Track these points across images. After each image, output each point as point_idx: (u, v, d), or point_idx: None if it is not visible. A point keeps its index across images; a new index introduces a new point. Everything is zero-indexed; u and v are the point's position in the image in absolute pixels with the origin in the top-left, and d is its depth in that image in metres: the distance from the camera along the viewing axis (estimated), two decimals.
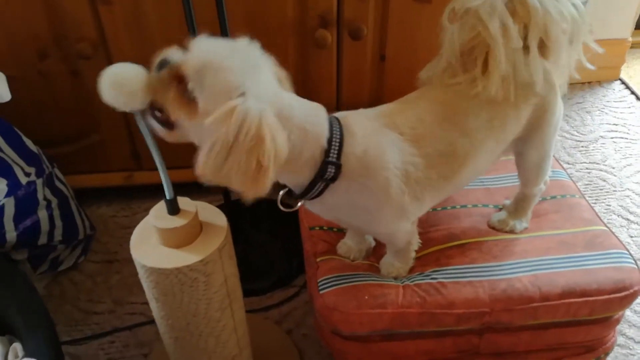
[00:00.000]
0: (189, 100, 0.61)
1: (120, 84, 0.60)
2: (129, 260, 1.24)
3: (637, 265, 0.86)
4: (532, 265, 0.86)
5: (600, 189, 1.37)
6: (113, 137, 1.27)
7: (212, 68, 0.61)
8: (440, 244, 0.91)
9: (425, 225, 0.94)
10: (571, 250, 0.88)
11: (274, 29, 1.14)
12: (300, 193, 0.73)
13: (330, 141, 0.69)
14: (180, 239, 0.69)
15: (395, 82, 1.25)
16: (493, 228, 0.94)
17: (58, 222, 1.08)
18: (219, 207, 1.27)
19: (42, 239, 1.05)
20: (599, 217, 0.95)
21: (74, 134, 1.26)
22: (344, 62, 1.21)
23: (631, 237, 1.23)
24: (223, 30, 0.97)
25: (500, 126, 0.80)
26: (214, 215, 0.74)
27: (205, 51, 0.62)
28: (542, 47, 0.77)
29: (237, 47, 0.64)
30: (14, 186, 0.98)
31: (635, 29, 1.80)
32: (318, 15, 1.13)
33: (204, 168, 0.61)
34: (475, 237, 0.92)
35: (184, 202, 0.71)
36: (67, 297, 1.14)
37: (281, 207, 0.77)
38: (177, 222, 0.68)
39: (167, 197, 0.69)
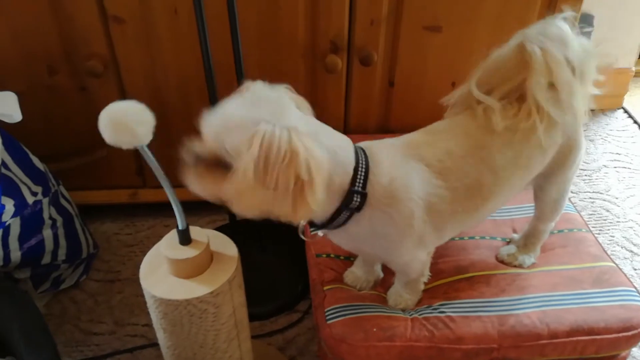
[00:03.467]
0: (225, 169, 0.61)
1: (126, 124, 0.59)
2: (131, 280, 1.24)
3: None
4: (540, 301, 0.85)
5: (604, 220, 1.37)
6: (119, 153, 1.24)
7: (226, 129, 0.61)
8: (449, 276, 0.91)
9: (433, 256, 0.93)
10: (579, 287, 0.88)
11: (285, 52, 1.15)
12: (323, 223, 0.72)
13: (356, 170, 0.69)
14: (191, 270, 0.69)
15: (403, 108, 1.26)
16: (501, 262, 0.94)
17: (62, 242, 1.07)
18: (223, 227, 1.28)
19: (46, 259, 1.04)
20: (606, 253, 0.95)
21: (80, 149, 1.26)
22: (353, 87, 1.21)
23: (635, 269, 1.23)
24: (236, 51, 0.97)
25: (526, 165, 0.80)
26: (224, 245, 0.74)
27: (215, 121, 0.62)
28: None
29: (244, 100, 0.64)
30: (20, 206, 0.98)
31: (639, 58, 1.82)
32: (329, 40, 1.13)
33: (240, 201, 0.60)
34: (484, 270, 0.92)
35: (195, 231, 0.71)
36: (67, 317, 1.13)
37: (302, 237, 0.77)
38: (188, 252, 0.68)
39: (180, 227, 0.68)
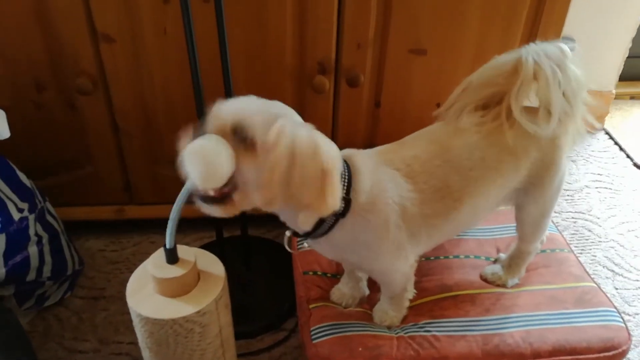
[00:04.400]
0: (246, 146, 0.63)
1: (215, 166, 0.61)
2: (116, 298, 1.23)
3: (624, 323, 0.88)
4: (524, 321, 0.87)
5: (586, 239, 1.39)
6: (106, 169, 1.27)
7: (245, 111, 0.65)
8: (434, 294, 0.92)
9: (418, 274, 0.94)
10: (561, 307, 0.89)
11: (273, 73, 1.16)
12: (309, 231, 0.74)
13: (342, 177, 0.71)
14: (177, 289, 0.69)
15: (389, 128, 1.28)
16: (485, 280, 0.95)
17: (48, 259, 1.06)
18: (210, 244, 1.28)
19: (31, 275, 1.03)
20: (587, 273, 0.97)
21: (67, 165, 1.25)
22: (340, 107, 1.23)
23: (616, 289, 1.25)
24: (225, 70, 0.99)
25: (495, 168, 0.82)
26: (211, 264, 0.74)
27: (230, 106, 0.67)
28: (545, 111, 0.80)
29: (250, 99, 0.69)
30: (6, 222, 0.97)
31: (619, 80, 1.87)
32: (317, 62, 1.15)
33: (271, 190, 0.62)
34: (468, 289, 0.93)
35: (183, 250, 0.71)
36: (51, 334, 1.11)
37: (288, 249, 0.78)
38: (175, 271, 0.68)
39: (167, 246, 0.69)
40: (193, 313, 0.67)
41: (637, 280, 1.27)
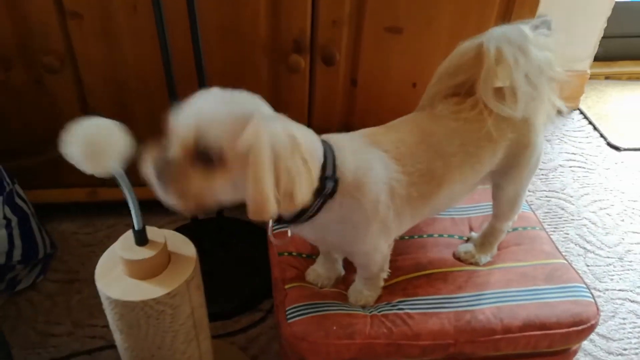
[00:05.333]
0: (208, 164, 0.60)
1: (99, 150, 0.58)
2: (90, 281, 1.20)
3: (594, 298, 0.90)
4: (495, 297, 0.88)
5: (559, 218, 1.42)
6: None
7: (209, 122, 0.60)
8: (408, 273, 0.93)
9: (393, 253, 0.94)
10: (532, 283, 0.91)
11: (248, 52, 1.14)
12: (295, 216, 0.72)
13: (325, 158, 0.70)
14: (147, 271, 0.68)
15: (366, 107, 1.27)
16: (458, 259, 0.96)
17: (17, 242, 1.04)
18: (185, 226, 1.27)
19: (0, 259, 1.01)
20: (558, 250, 0.99)
21: (37, 146, 1.22)
22: (316, 86, 1.22)
23: (588, 265, 1.28)
24: (196, 49, 0.97)
25: (474, 153, 0.82)
26: (183, 245, 0.73)
27: (190, 116, 0.61)
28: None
29: (215, 97, 0.64)
30: None
31: (594, 61, 1.89)
32: (292, 40, 1.14)
33: (262, 197, 0.60)
34: (441, 267, 0.94)
35: (152, 232, 0.70)
36: (23, 318, 1.10)
37: (273, 240, 0.78)
38: (144, 253, 0.67)
39: (136, 228, 0.68)
40: (163, 295, 0.67)
41: (608, 257, 1.30)
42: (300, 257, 0.97)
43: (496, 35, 0.78)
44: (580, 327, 0.85)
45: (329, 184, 0.70)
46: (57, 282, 1.18)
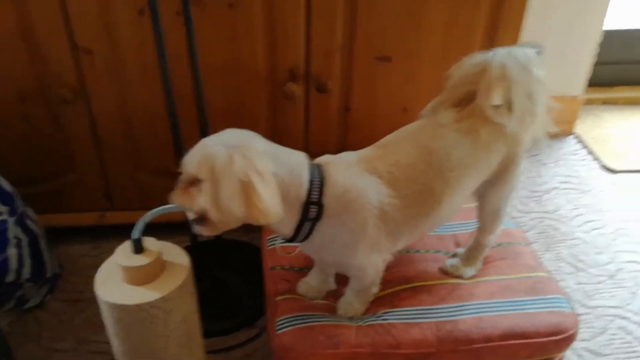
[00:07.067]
0: (197, 184, 0.73)
1: None
2: (95, 300, 1.26)
3: (572, 309, 0.92)
4: (477, 308, 0.91)
5: (552, 238, 1.45)
6: (87, 177, 1.31)
7: (192, 156, 0.74)
8: (394, 286, 0.97)
9: None
10: (514, 295, 0.94)
11: (246, 82, 1.22)
12: (290, 237, 0.80)
13: (312, 183, 0.77)
14: (143, 277, 0.74)
15: (360, 132, 1.34)
16: (445, 273, 1.00)
17: (27, 261, 1.11)
18: (186, 247, 1.32)
19: (10, 277, 1.08)
20: (541, 264, 1.02)
21: (50, 174, 1.30)
22: (311, 113, 1.29)
23: (579, 284, 1.30)
24: (196, 80, 1.04)
25: (473, 165, 0.87)
26: (177, 255, 0.79)
27: (189, 153, 0.76)
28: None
29: (217, 135, 0.77)
30: None
31: (590, 86, 1.94)
32: (288, 69, 1.21)
33: (218, 211, 0.72)
34: (426, 280, 0.98)
35: (149, 242, 0.76)
36: (30, 335, 1.15)
37: (283, 253, 0.92)
38: (140, 260, 0.73)
39: (134, 237, 0.74)
40: (157, 299, 0.72)
41: (599, 275, 1.32)
42: (292, 270, 1.02)
43: (502, 52, 0.85)
44: (559, 337, 0.88)
45: (312, 209, 0.77)
46: (64, 301, 1.24)
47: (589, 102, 2.05)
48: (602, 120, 2.02)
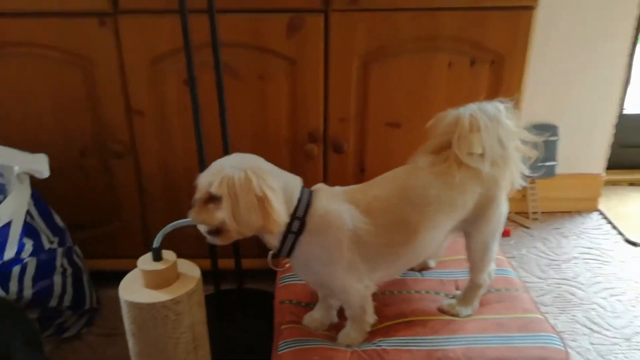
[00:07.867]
0: (216, 201, 0.86)
1: None
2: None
3: (565, 348, 0.95)
4: (467, 340, 0.96)
5: (568, 302, 1.45)
6: (131, 225, 1.48)
7: (207, 176, 0.88)
8: (391, 320, 1.03)
9: (380, 304, 1.06)
10: (505, 331, 0.98)
11: (272, 142, 1.39)
12: (277, 250, 0.92)
13: (300, 201, 0.90)
14: (159, 281, 0.86)
15: None
16: (441, 311, 1.06)
17: (69, 289, 1.25)
18: (210, 295, 1.43)
19: (53, 302, 1.21)
20: (538, 308, 1.06)
21: (97, 221, 1.48)
22: (329, 172, 1.43)
23: (592, 344, 1.29)
24: (224, 143, 1.22)
25: (448, 202, 0.98)
26: (190, 269, 0.91)
27: (205, 173, 0.90)
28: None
29: (227, 157, 0.92)
30: (38, 248, 1.18)
31: (616, 168, 2.01)
32: (308, 133, 1.38)
33: (239, 222, 0.85)
34: (422, 315, 1.04)
35: (167, 253, 0.89)
36: None
37: (272, 267, 1.00)
38: (157, 266, 0.85)
39: (154, 246, 0.87)
40: (168, 300, 0.83)
41: (615, 337, 1.31)
42: (299, 305, 1.10)
43: (472, 107, 0.99)
44: None
45: (295, 222, 0.89)
46: (99, 335, 1.35)
47: (616, 182, 2.09)
48: (628, 199, 2.04)
